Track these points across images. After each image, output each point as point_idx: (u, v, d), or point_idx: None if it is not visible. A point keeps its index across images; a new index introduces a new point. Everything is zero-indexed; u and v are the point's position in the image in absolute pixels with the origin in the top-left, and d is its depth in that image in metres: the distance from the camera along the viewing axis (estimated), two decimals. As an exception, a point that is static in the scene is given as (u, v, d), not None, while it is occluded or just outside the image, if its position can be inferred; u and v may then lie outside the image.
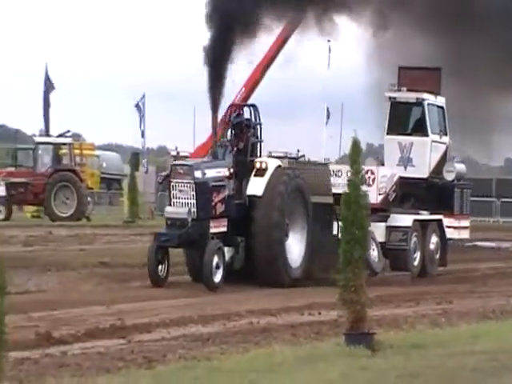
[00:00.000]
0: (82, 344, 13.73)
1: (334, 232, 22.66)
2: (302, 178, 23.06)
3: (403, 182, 26.15)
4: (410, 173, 26.34)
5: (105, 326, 15.09)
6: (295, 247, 22.86)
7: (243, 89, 29.02)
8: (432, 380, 10.48)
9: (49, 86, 46.78)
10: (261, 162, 22.58)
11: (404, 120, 27.04)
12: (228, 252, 22.28)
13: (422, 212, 26.22)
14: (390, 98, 26.48)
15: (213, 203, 22.02)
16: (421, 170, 26.49)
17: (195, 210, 21.63)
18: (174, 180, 22.04)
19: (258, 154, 23.26)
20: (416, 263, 25.45)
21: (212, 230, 21.89)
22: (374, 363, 11.36)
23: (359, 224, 12.54)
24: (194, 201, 21.76)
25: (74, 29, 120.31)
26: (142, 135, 50.66)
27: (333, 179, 24.59)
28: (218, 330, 15.79)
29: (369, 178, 24.29)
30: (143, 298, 19.86)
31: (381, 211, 24.72)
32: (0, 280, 8.05)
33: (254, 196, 22.35)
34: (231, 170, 22.56)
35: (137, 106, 49.03)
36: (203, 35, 24.25)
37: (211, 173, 22.19)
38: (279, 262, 22.05)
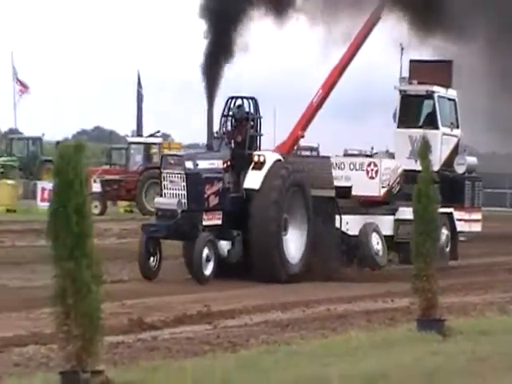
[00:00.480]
0: (171, 329, 13.85)
1: (337, 225, 22.09)
2: (302, 171, 21.64)
3: (413, 175, 24.19)
4: (417, 165, 24.42)
5: (192, 313, 15.19)
6: (294, 242, 21.31)
7: (320, 91, 27.69)
8: (500, 364, 10.31)
9: (140, 92, 47.24)
10: (259, 156, 21.11)
11: (414, 113, 25.61)
12: (225, 245, 20.78)
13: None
14: (400, 91, 25.13)
15: (205, 195, 20.52)
16: (432, 162, 24.50)
17: (186, 201, 20.16)
18: (165, 171, 20.58)
19: (257, 148, 21.75)
20: None
21: (205, 223, 20.39)
22: (445, 348, 11.30)
23: (430, 217, 12.44)
24: (184, 192, 20.22)
25: (163, 35, 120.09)
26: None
27: (335, 172, 23.18)
28: (298, 316, 15.78)
29: (371, 170, 23.32)
30: (227, 287, 19.84)
31: (384, 204, 23.51)
32: (96, 270, 8.14)
33: (251, 189, 20.93)
34: (228, 163, 21.16)
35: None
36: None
37: (204, 164, 20.77)
38: (275, 256, 20.53)
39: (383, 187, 23.27)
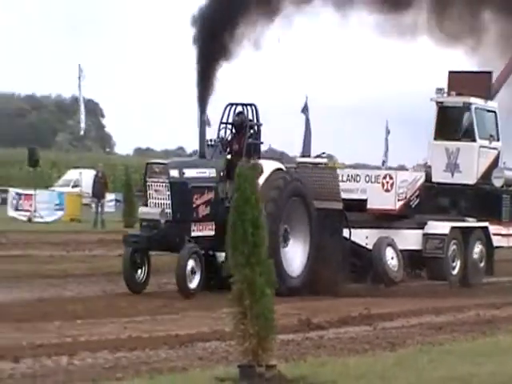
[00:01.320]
0: (335, 329, 13.82)
1: (351, 239, 19.39)
2: (303, 182, 18.90)
3: (448, 188, 22.22)
4: (457, 179, 22.20)
5: (354, 315, 15.06)
6: (296, 255, 18.57)
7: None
8: None
9: (307, 116, 47.27)
10: (258, 165, 18.07)
11: (451, 125, 22.77)
12: (219, 257, 18.30)
13: (467, 219, 21.87)
14: (437, 102, 22.43)
15: (194, 205, 17.90)
16: (468, 175, 22.20)
17: (170, 211, 17.60)
18: (150, 179, 18.04)
19: (258, 156, 18.96)
20: (455, 272, 21.04)
21: (194, 234, 17.83)
22: None
23: None
24: (169, 201, 17.64)
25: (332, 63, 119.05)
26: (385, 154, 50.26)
27: (348, 184, 20.70)
28: (449, 320, 15.51)
29: (387, 182, 20.57)
30: (388, 292, 19.65)
31: (400, 217, 20.71)
32: (269, 275, 8.29)
33: None
34: (223, 172, 18.51)
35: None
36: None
37: (191, 173, 18.10)
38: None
39: (399, 200, 20.59)
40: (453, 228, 20.72)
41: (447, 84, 22.37)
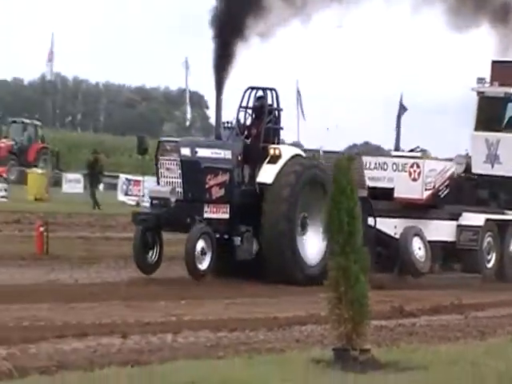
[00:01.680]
0: (427, 317, 13.80)
1: (371, 226, 18.10)
2: (322, 168, 17.82)
3: (487, 179, 20.90)
4: (497, 170, 20.91)
5: (446, 304, 14.96)
6: (315, 242, 17.20)
7: None
8: None
9: (401, 109, 47.01)
10: (274, 149, 17.52)
11: (492, 116, 21.40)
12: (233, 241, 17.33)
13: (506, 212, 20.68)
14: (477, 92, 21.10)
15: (206, 185, 16.97)
16: (508, 167, 20.86)
17: (181, 190, 16.67)
18: (162, 157, 17.10)
19: (278, 141, 18.18)
20: (490, 265, 19.86)
21: (207, 215, 16.92)
22: None
23: None
24: (179, 180, 16.68)
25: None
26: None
27: (376, 172, 19.64)
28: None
29: (414, 171, 19.34)
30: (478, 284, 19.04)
31: (429, 207, 19.46)
32: (364, 263, 8.33)
33: (264, 184, 17.27)
34: (240, 155, 17.62)
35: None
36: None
37: (205, 152, 17.16)
38: (287, 256, 17.01)
39: (427, 189, 19.32)
40: (487, 220, 19.59)
41: (490, 74, 21.05)
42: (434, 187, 19.06)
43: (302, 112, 51.34)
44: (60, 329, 10.89)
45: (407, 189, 18.87)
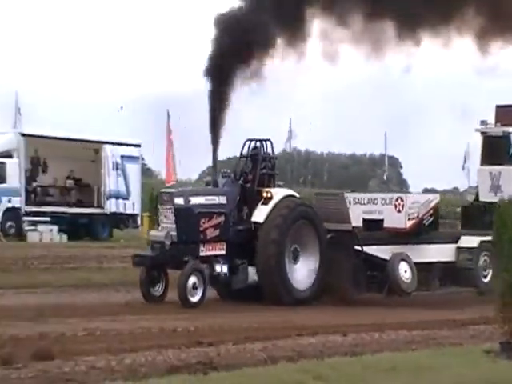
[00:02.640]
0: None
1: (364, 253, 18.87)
2: (310, 206, 18.65)
3: (492, 206, 21.19)
4: (498, 198, 21.54)
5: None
6: (306, 270, 18.03)
7: None
8: None
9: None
10: (267, 192, 18.01)
11: (494, 152, 22.32)
12: (227, 271, 17.76)
13: None
14: (481, 133, 22.41)
15: (201, 228, 17.38)
16: (508, 195, 21.38)
17: (175, 233, 17.05)
18: (160, 206, 17.79)
19: (273, 185, 18.65)
20: (486, 280, 20.25)
21: (203, 253, 17.33)
22: None
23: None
24: (173, 225, 17.09)
25: None
26: None
27: (368, 206, 20.20)
28: None
29: (399, 204, 19.71)
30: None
31: (411, 235, 19.78)
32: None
33: (257, 222, 17.80)
34: (235, 199, 18.14)
35: None
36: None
37: (199, 200, 17.65)
38: (277, 283, 17.47)
39: (409, 219, 19.63)
40: (482, 242, 20.20)
41: (494, 116, 22.37)
42: (417, 217, 19.60)
43: None
44: (299, 328, 13.51)
45: (393, 219, 19.55)
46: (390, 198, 19.96)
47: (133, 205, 35.55)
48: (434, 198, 20.43)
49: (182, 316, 15.04)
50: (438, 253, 20.09)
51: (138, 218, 35.23)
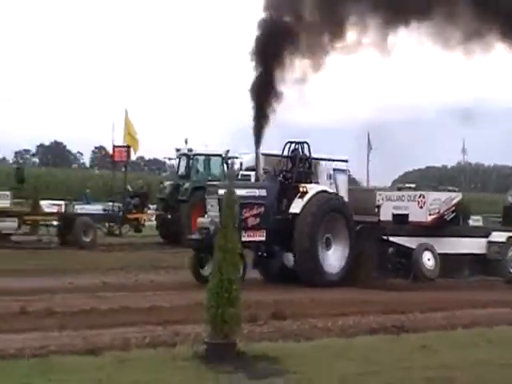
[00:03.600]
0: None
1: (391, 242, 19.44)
2: (341, 200, 19.44)
3: None
4: None
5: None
6: (338, 256, 18.67)
7: None
8: None
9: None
10: (303, 187, 18.83)
11: None
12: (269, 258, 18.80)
13: None
14: None
15: (242, 216, 17.81)
16: None
17: (219, 220, 16.99)
18: (207, 197, 18.48)
19: (308, 181, 19.38)
20: None
21: (245, 239, 17.52)
22: None
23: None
24: (218, 213, 17.20)
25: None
26: None
27: (397, 203, 20.32)
28: None
29: (421, 201, 20.04)
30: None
31: (433, 229, 20.02)
32: None
33: (294, 213, 18.53)
34: (275, 192, 18.75)
35: None
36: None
37: (240, 192, 17.36)
38: (310, 266, 18.16)
39: (430, 215, 19.99)
40: (509, 237, 21.18)
41: None
42: (438, 213, 20.14)
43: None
44: (472, 302, 15.70)
45: (416, 214, 20.11)
46: (414, 195, 20.60)
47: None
48: (456, 196, 21.13)
49: (377, 291, 17.52)
50: (469, 245, 20.77)
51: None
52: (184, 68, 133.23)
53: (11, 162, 78.62)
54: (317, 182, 20.25)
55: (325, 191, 19.45)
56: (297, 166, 19.37)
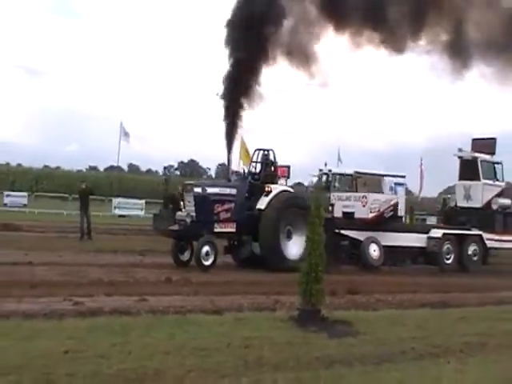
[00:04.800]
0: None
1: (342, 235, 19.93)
2: (301, 198, 19.02)
3: (465, 210, 23.14)
4: (470, 204, 23.44)
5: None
6: (297, 245, 18.23)
7: None
8: None
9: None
10: (268, 187, 19.10)
11: (467, 171, 23.39)
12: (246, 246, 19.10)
13: (473, 229, 22.72)
14: (458, 157, 23.75)
15: (215, 211, 18.36)
16: (475, 202, 23.28)
17: (194, 214, 18.10)
18: (185, 194, 18.87)
19: (275, 183, 19.56)
20: (449, 262, 21.83)
21: (217, 230, 18.24)
22: None
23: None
24: (193, 208, 18.02)
25: None
26: None
27: (346, 202, 20.69)
28: None
29: (363, 201, 20.45)
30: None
31: (373, 224, 20.53)
32: None
33: (260, 209, 18.72)
34: (244, 191, 18.92)
35: None
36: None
37: (213, 190, 18.57)
38: (274, 254, 18.22)
39: (371, 212, 20.46)
40: (444, 234, 22.31)
41: (471, 146, 24.02)
42: (378, 211, 20.88)
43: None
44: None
45: (360, 212, 20.92)
46: (359, 196, 21.70)
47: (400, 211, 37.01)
48: (394, 198, 22.20)
49: (426, 276, 19.34)
50: (412, 239, 21.85)
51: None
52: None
53: (161, 173, 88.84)
54: (382, 193, 21.85)
55: (287, 190, 20.08)
56: (264, 170, 19.87)
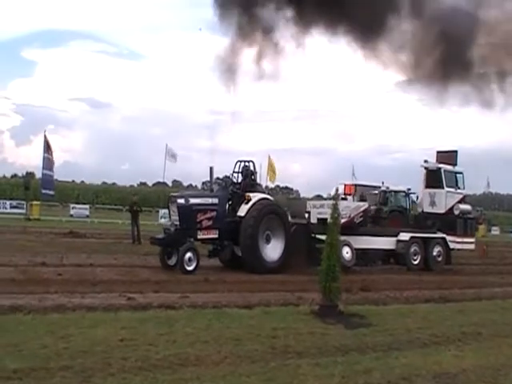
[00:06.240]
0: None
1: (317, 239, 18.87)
2: (278, 206, 18.93)
3: (430, 215, 22.79)
4: (434, 209, 22.96)
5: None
6: (275, 249, 17.85)
7: None
8: None
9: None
10: (247, 196, 18.23)
11: (432, 180, 22.96)
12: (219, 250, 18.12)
13: (438, 232, 22.23)
14: (424, 167, 23.32)
15: (197, 219, 17.58)
16: (439, 208, 22.85)
17: (178, 223, 17.51)
18: (170, 205, 18.15)
19: (253, 191, 18.54)
20: (416, 262, 21.39)
21: (200, 237, 17.53)
22: None
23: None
24: (177, 217, 17.35)
25: None
26: None
27: (321, 209, 19.37)
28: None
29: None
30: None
31: (345, 229, 19.72)
32: None
33: (240, 216, 17.96)
34: (226, 200, 18.22)
35: None
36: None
37: (196, 200, 17.74)
38: (253, 257, 17.41)
39: (342, 218, 18.81)
40: (411, 237, 22.13)
41: (435, 158, 23.84)
42: (349, 217, 20.32)
43: None
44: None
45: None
46: (330, 204, 22.87)
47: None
48: (364, 205, 21.63)
49: (425, 273, 19.57)
50: (382, 242, 21.52)
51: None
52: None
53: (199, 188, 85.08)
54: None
55: (266, 198, 19.40)
56: (244, 179, 19.47)
